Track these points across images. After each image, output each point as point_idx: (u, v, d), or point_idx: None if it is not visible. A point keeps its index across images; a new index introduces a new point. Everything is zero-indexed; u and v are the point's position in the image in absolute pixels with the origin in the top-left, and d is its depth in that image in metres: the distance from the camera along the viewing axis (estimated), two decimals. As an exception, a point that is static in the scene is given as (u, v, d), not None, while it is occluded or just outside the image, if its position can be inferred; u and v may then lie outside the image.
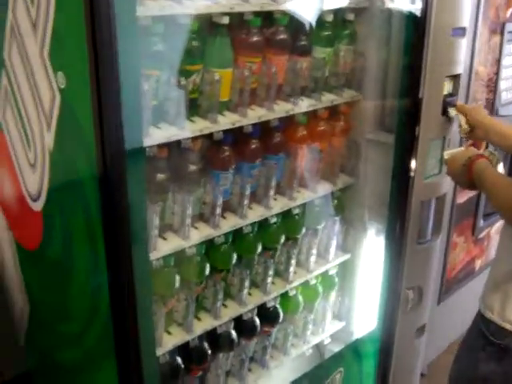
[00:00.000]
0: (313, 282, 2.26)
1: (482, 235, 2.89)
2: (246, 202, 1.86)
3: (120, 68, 1.19)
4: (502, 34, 2.48)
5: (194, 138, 1.67)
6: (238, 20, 1.67)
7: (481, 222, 2.82)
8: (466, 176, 1.60)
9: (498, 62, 2.50)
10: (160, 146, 1.57)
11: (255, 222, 1.95)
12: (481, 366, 1.55)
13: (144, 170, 1.44)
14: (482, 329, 1.56)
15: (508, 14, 2.50)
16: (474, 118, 1.91)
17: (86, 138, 1.28)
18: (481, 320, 1.58)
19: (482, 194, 2.72)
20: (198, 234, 1.76)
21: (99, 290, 1.51)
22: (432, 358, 2.84)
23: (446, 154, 1.80)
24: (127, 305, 1.47)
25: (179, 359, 1.87)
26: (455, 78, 2.14)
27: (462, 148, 1.84)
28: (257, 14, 1.70)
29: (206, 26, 1.60)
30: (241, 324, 2.04)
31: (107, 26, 1.13)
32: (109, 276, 1.45)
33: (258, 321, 2.09)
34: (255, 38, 1.73)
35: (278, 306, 2.16)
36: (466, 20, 2.07)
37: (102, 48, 1.16)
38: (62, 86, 1.30)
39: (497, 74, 2.51)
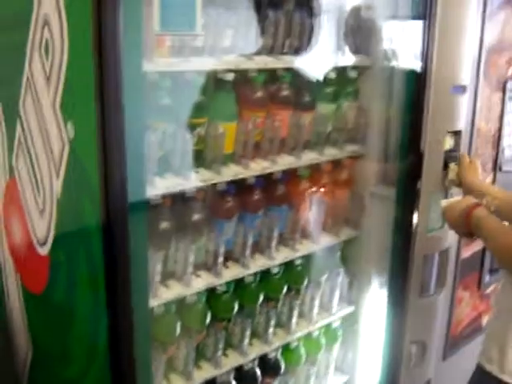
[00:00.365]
0: (316, 333, 2.27)
1: (488, 290, 2.88)
2: (248, 251, 1.90)
3: (126, 121, 1.26)
4: (503, 91, 2.54)
5: (198, 188, 1.72)
6: (242, 76, 1.74)
7: (487, 277, 2.81)
8: (464, 225, 1.62)
9: (501, 118, 2.55)
10: (164, 196, 1.62)
11: (257, 272, 1.97)
12: None
13: (147, 220, 1.49)
14: (482, 380, 1.56)
15: (510, 72, 2.57)
16: (463, 175, 1.96)
17: (92, 187, 1.34)
18: (480, 373, 1.58)
19: (487, 248, 2.74)
20: (200, 282, 1.79)
21: (99, 335, 1.54)
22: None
23: (444, 203, 1.83)
24: (125, 351, 1.50)
25: (178, 408, 1.87)
26: (456, 133, 2.19)
27: (460, 197, 1.87)
28: (261, 70, 1.78)
29: (212, 81, 1.68)
30: (241, 374, 2.04)
31: (114, 81, 1.21)
32: (108, 322, 1.48)
33: (258, 372, 2.09)
34: (259, 94, 1.80)
35: (279, 357, 2.16)
36: (465, 78, 2.14)
37: (108, 101, 1.23)
38: (71, 137, 1.37)
39: (499, 130, 2.56)
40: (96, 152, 1.28)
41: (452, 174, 1.98)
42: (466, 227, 1.62)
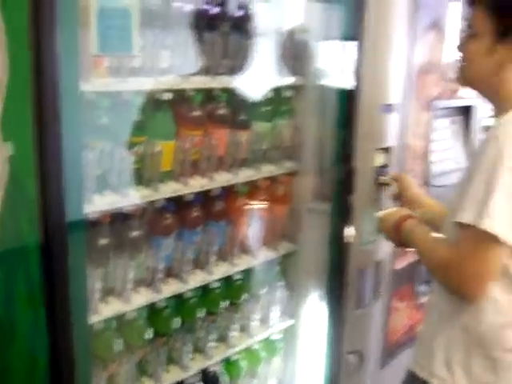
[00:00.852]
0: (255, 347, 2.32)
1: (423, 300, 2.99)
2: (187, 267, 1.93)
3: (63, 139, 1.28)
4: (431, 110, 2.67)
5: (137, 206, 1.75)
6: (180, 96, 1.79)
7: (421, 287, 2.92)
8: (396, 234, 1.69)
9: (429, 136, 2.68)
10: (103, 213, 1.65)
11: (197, 287, 2.01)
12: None
13: (85, 237, 1.51)
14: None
15: (437, 92, 2.71)
16: (403, 187, 2.03)
17: (30, 204, 1.35)
18: (410, 377, 1.65)
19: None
20: (140, 298, 1.82)
21: (38, 352, 1.53)
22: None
23: (380, 214, 1.91)
24: (65, 368, 1.50)
25: (120, 425, 1.88)
26: (386, 150, 2.30)
27: (395, 208, 1.95)
28: (198, 90, 1.83)
29: (150, 101, 1.71)
30: (184, 389, 2.07)
31: (52, 102, 1.23)
32: (48, 340, 1.48)
33: (200, 386, 2.12)
34: (196, 113, 1.85)
35: (221, 370, 2.20)
36: (393, 97, 2.25)
37: (46, 121, 1.25)
38: (10, 155, 1.38)
39: (427, 147, 2.69)
40: (34, 169, 1.30)
41: (394, 187, 2.03)
42: (398, 238, 1.71)
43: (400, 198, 2.03)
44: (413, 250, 1.76)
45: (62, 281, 1.43)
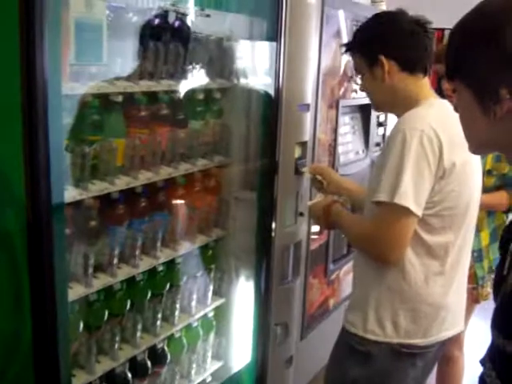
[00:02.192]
0: (194, 324, 2.55)
1: (332, 277, 3.36)
2: (137, 253, 2.13)
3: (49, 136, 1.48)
4: (337, 108, 3.03)
5: (94, 198, 1.94)
6: (129, 98, 2.00)
7: (331, 266, 3.29)
8: (325, 218, 2.01)
9: (335, 131, 3.04)
10: (67, 205, 1.82)
11: (145, 271, 2.22)
12: (349, 372, 1.88)
13: (64, 224, 1.69)
14: (346, 341, 1.91)
15: (341, 93, 3.07)
16: (329, 176, 2.33)
17: (15, 195, 1.52)
18: (345, 334, 1.93)
19: (330, 241, 3.21)
20: (99, 282, 2.00)
21: (20, 336, 1.69)
22: (299, 388, 3.20)
23: (309, 203, 2.23)
24: (51, 349, 1.67)
25: (82, 401, 2.05)
26: (303, 144, 2.61)
27: (322, 197, 2.25)
28: (144, 93, 2.05)
29: (105, 102, 1.91)
30: (135, 365, 2.26)
31: (42, 104, 1.42)
32: (32, 321, 1.64)
33: (149, 362, 2.32)
34: (143, 113, 2.06)
35: (165, 347, 2.42)
36: (308, 97, 2.57)
37: (36, 122, 1.44)
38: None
39: (335, 140, 3.05)
40: (21, 165, 1.48)
41: (319, 178, 2.31)
42: (327, 221, 2.02)
43: (323, 187, 2.32)
44: (338, 229, 2.11)
45: (49, 263, 1.60)
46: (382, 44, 1.77)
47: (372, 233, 1.75)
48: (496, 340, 1.11)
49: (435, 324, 1.80)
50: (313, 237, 3.02)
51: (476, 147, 1.15)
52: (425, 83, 1.83)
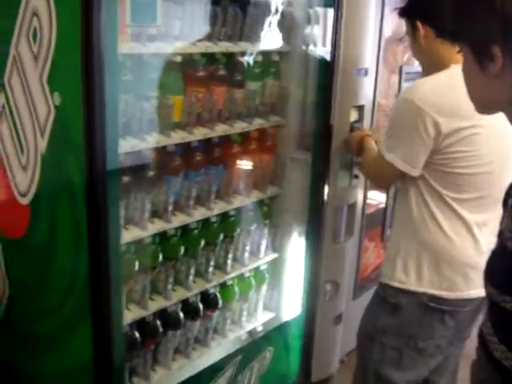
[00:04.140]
0: (247, 275, 2.71)
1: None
2: (191, 203, 2.31)
3: (106, 92, 1.65)
4: (400, 74, 3.05)
5: (152, 149, 2.12)
6: (188, 59, 2.14)
7: (388, 231, 3.34)
8: (358, 147, 2.45)
9: (397, 96, 3.06)
10: (125, 155, 2.01)
11: (199, 221, 2.39)
12: (380, 320, 2.01)
13: (119, 174, 1.88)
14: (380, 292, 2.04)
15: (405, 59, 3.09)
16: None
17: (76, 142, 1.71)
18: (379, 286, 2.07)
19: (388, 206, 3.27)
20: (154, 227, 2.19)
21: (78, 269, 1.90)
22: (350, 348, 3.30)
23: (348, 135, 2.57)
24: (103, 278, 1.87)
25: (136, 333, 2.26)
26: (360, 108, 2.68)
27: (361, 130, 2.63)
28: (202, 54, 2.19)
29: (164, 62, 2.06)
30: (187, 306, 2.45)
31: (98, 60, 1.59)
32: (89, 258, 1.85)
33: (201, 305, 2.51)
34: (200, 73, 2.21)
35: (217, 293, 2.60)
36: (366, 62, 2.63)
37: (92, 77, 1.61)
38: (57, 104, 1.74)
39: (396, 106, 3.08)
40: (81, 116, 1.66)
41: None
42: (357, 150, 2.46)
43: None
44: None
45: (104, 211, 1.80)
46: (420, 10, 1.84)
47: (368, 166, 2.28)
48: (488, 291, 1.18)
49: (460, 279, 1.87)
50: (370, 201, 3.10)
51: (479, 106, 1.21)
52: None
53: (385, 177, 2.07)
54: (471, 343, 2.47)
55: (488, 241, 1.84)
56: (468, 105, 1.23)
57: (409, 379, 2.02)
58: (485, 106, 1.21)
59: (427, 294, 1.88)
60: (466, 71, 1.19)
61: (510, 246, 1.08)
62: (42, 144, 1.84)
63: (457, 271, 1.87)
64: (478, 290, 1.88)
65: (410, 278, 1.90)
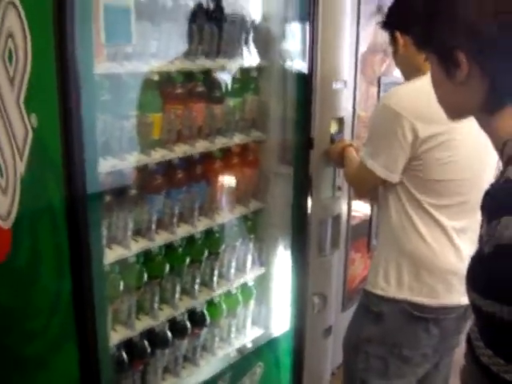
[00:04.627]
0: (234, 291, 2.70)
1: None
2: (175, 220, 2.30)
3: (82, 113, 1.65)
4: (378, 85, 3.09)
5: (133, 168, 2.12)
6: (165, 77, 2.15)
7: (374, 241, 3.35)
8: (339, 157, 2.46)
9: (376, 107, 3.09)
10: (106, 174, 2.01)
11: (183, 238, 2.38)
12: (364, 329, 2.02)
13: (100, 193, 1.87)
14: (363, 301, 2.05)
15: (383, 69, 3.12)
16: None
17: (55, 163, 1.71)
18: (363, 294, 2.07)
19: (373, 216, 3.28)
20: (138, 245, 2.18)
21: (61, 291, 1.89)
22: (340, 360, 3.28)
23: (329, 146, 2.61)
24: (86, 299, 1.85)
25: (124, 354, 2.24)
26: (340, 119, 2.70)
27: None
28: (180, 72, 2.20)
29: (141, 81, 2.07)
30: (175, 325, 2.44)
31: (74, 81, 1.59)
32: (72, 280, 1.83)
33: (188, 323, 2.50)
34: (179, 91, 2.21)
35: (204, 311, 2.58)
36: (344, 74, 2.65)
37: (69, 97, 1.61)
38: (35, 125, 1.74)
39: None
40: (58, 137, 1.66)
41: None
42: (339, 161, 2.47)
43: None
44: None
45: (85, 231, 1.79)
46: (396, 21, 1.87)
47: (351, 175, 2.31)
48: (470, 296, 1.19)
49: (441, 286, 1.88)
50: (355, 212, 3.11)
51: (450, 113, 1.23)
52: None
53: (367, 185, 2.08)
54: (461, 350, 2.51)
55: (468, 247, 1.85)
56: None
57: None
58: (454, 112, 1.23)
59: (407, 300, 1.89)
60: (433, 79, 1.21)
61: (487, 249, 1.09)
62: (21, 166, 1.84)
63: (438, 278, 1.88)
64: (460, 298, 1.88)
65: (391, 285, 1.91)
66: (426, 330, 1.91)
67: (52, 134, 1.70)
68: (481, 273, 1.15)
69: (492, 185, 1.15)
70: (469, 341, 1.25)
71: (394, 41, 1.97)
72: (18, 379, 2.17)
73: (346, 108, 2.75)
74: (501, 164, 1.16)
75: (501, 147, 1.13)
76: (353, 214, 3.11)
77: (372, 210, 3.26)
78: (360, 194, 2.74)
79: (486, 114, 1.15)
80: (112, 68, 1.91)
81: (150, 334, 2.34)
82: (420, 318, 1.89)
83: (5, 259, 2.05)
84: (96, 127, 1.82)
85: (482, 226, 1.21)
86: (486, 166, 1.88)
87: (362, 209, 3.21)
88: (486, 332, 1.18)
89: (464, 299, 1.90)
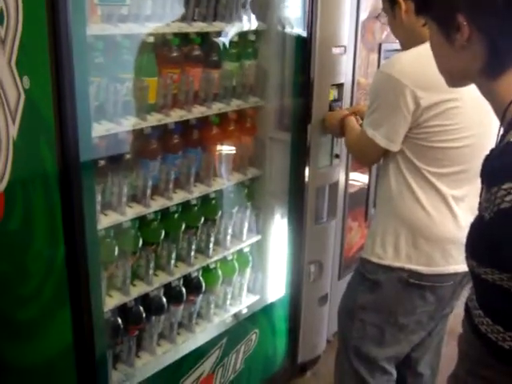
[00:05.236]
0: (230, 258, 2.69)
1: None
2: (170, 186, 2.28)
3: (75, 75, 1.61)
4: (379, 52, 3.03)
5: (128, 132, 2.09)
6: (161, 40, 2.11)
7: (372, 210, 3.33)
8: (339, 127, 2.35)
9: (376, 74, 3.05)
10: (100, 138, 1.98)
11: (179, 204, 2.36)
12: (359, 297, 2.02)
13: (93, 157, 1.84)
14: (359, 269, 2.04)
15: (383, 36, 3.06)
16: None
17: (48, 126, 1.67)
18: (359, 262, 2.06)
19: (371, 185, 3.26)
20: (133, 211, 2.16)
21: (56, 255, 1.87)
22: (336, 328, 3.32)
23: (325, 114, 2.53)
24: (80, 264, 1.84)
25: (119, 319, 2.24)
26: (339, 86, 2.66)
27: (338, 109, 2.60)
28: (176, 34, 2.15)
29: (137, 43, 2.03)
30: (170, 291, 2.44)
31: (65, 41, 1.55)
32: (65, 244, 1.82)
33: (184, 290, 2.50)
34: (174, 54, 2.17)
35: (200, 278, 2.58)
36: (344, 40, 2.60)
37: (61, 58, 1.57)
38: (27, 87, 1.70)
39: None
40: (51, 99, 1.63)
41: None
42: (339, 131, 2.38)
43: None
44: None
45: (78, 196, 1.77)
46: None
47: (352, 145, 2.23)
48: (469, 264, 1.17)
49: (439, 254, 1.87)
50: (352, 181, 3.09)
51: (450, 80, 1.20)
52: None
53: (369, 154, 2.03)
54: (455, 319, 2.51)
55: (466, 216, 1.84)
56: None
57: (389, 355, 2.03)
58: (455, 78, 1.20)
59: (405, 268, 1.88)
60: (433, 45, 1.18)
61: (487, 215, 1.07)
62: (14, 130, 1.81)
63: (435, 246, 1.87)
64: (457, 266, 1.88)
65: (388, 253, 1.90)
66: (423, 298, 1.91)
67: (44, 96, 1.66)
68: (480, 239, 1.14)
69: (492, 150, 1.13)
70: (467, 309, 1.24)
71: (394, 6, 1.91)
72: (10, 344, 2.17)
73: (345, 74, 2.70)
74: (502, 130, 1.14)
75: (502, 112, 1.11)
76: (350, 182, 3.09)
77: (370, 179, 3.24)
78: (362, 163, 2.73)
79: (487, 79, 1.13)
80: (106, 29, 1.86)
81: (145, 300, 2.34)
82: (416, 285, 1.89)
83: (-2, 222, 2.04)
84: (89, 90, 1.79)
85: (481, 193, 1.19)
86: (487, 134, 1.84)
87: (359, 178, 3.18)
88: (485, 300, 1.17)
89: (461, 267, 1.91)
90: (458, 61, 1.12)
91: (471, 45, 1.07)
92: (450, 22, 1.07)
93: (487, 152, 1.76)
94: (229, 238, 2.64)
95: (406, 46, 1.97)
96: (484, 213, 1.09)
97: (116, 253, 2.16)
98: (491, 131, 1.85)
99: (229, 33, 2.39)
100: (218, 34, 2.35)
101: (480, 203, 1.17)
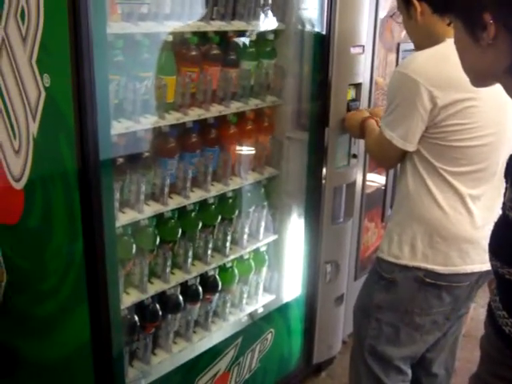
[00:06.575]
0: (246, 257, 2.69)
1: (390, 222, 3.39)
2: (188, 184, 2.28)
3: (95, 73, 1.63)
4: (397, 52, 3.02)
5: (146, 131, 2.10)
6: (180, 38, 2.12)
7: (389, 211, 3.32)
8: (360, 129, 2.33)
9: (394, 73, 3.03)
10: (119, 136, 1.99)
11: (196, 203, 2.37)
12: (375, 296, 2.01)
13: (112, 155, 1.85)
14: (377, 268, 2.03)
15: (402, 36, 3.05)
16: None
17: (68, 123, 1.69)
18: (376, 261, 2.06)
19: (388, 185, 3.24)
20: (150, 209, 2.17)
21: (74, 252, 1.89)
22: (352, 329, 3.31)
23: (345, 115, 2.51)
24: (99, 264, 1.86)
25: (136, 317, 2.26)
26: (357, 86, 2.65)
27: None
28: (194, 33, 2.16)
29: (156, 41, 2.04)
30: (187, 289, 2.45)
31: (86, 40, 1.57)
32: (84, 241, 1.83)
33: (200, 288, 2.50)
34: (193, 53, 2.18)
35: (217, 276, 2.58)
36: (363, 39, 2.59)
37: (81, 57, 1.59)
38: (47, 85, 1.72)
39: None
40: (71, 97, 1.64)
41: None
42: (359, 132, 2.34)
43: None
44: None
45: (97, 193, 1.78)
46: None
47: (372, 147, 2.20)
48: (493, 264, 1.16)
49: (455, 254, 1.85)
50: (369, 182, 3.07)
51: (475, 79, 1.19)
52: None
53: (388, 157, 2.00)
54: (472, 322, 2.49)
55: (482, 215, 1.83)
56: (464, 76, 1.21)
57: (404, 355, 2.02)
58: (480, 77, 1.19)
59: (421, 268, 1.87)
60: (458, 44, 1.17)
61: (511, 215, 1.07)
62: (34, 127, 1.82)
63: (452, 245, 1.86)
64: (474, 265, 1.87)
65: (404, 253, 1.89)
66: (439, 298, 1.90)
67: (65, 94, 1.67)
68: (503, 239, 1.13)
69: None
70: (490, 310, 1.23)
71: (409, 7, 1.89)
72: (29, 339, 2.19)
73: (363, 74, 2.69)
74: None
75: None
76: (368, 183, 3.08)
77: (387, 180, 3.23)
78: (382, 166, 2.74)
79: None
80: (126, 28, 1.87)
81: (162, 298, 2.35)
82: (433, 285, 1.87)
83: (18, 220, 2.05)
84: (109, 88, 1.80)
85: (505, 193, 1.18)
86: (505, 133, 1.84)
87: (377, 178, 3.17)
88: (509, 301, 1.16)
89: (477, 267, 1.90)
90: (484, 59, 1.11)
91: (497, 43, 1.06)
92: (476, 21, 1.06)
93: (505, 151, 1.75)
94: (245, 237, 2.64)
95: (420, 46, 1.96)
96: (509, 212, 1.08)
97: (134, 250, 2.17)
98: (509, 129, 1.84)
99: (247, 32, 2.40)
100: (237, 33, 2.35)
101: (504, 203, 1.16)
